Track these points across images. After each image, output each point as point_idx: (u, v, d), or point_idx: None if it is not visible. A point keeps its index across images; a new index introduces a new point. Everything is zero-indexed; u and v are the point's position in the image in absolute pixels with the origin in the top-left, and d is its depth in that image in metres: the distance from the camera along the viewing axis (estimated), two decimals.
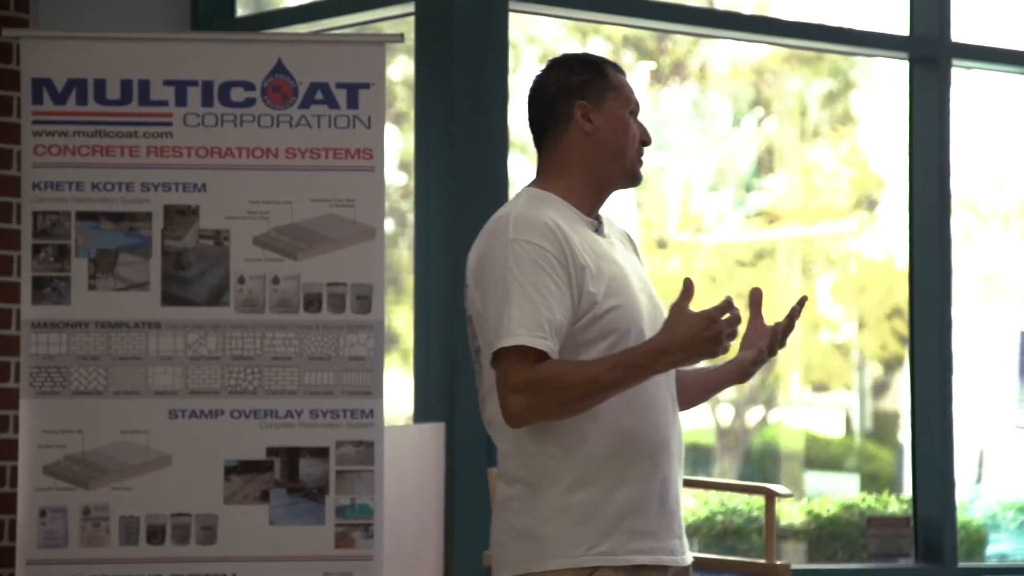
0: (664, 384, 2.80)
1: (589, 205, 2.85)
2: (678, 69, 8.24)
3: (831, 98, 8.40)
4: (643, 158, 2.88)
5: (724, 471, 8.10)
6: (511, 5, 5.35)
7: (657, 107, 8.47)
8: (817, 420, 8.35)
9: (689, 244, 8.31)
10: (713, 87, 8.38)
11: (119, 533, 4.60)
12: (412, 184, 5.84)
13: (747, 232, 8.30)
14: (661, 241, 8.26)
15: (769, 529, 4.60)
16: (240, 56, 4.76)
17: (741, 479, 7.82)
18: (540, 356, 2.67)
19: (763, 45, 7.00)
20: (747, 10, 7.50)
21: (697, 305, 2.69)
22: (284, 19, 5.82)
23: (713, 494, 6.76)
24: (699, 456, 8.31)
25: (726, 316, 2.65)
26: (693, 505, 6.79)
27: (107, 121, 4.69)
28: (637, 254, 2.97)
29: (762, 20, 6.61)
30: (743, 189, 8.47)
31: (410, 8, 5.38)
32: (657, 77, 8.29)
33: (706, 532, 6.67)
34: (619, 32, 7.93)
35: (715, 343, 2.64)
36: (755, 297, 2.86)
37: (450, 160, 5.20)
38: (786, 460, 8.12)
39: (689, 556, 2.87)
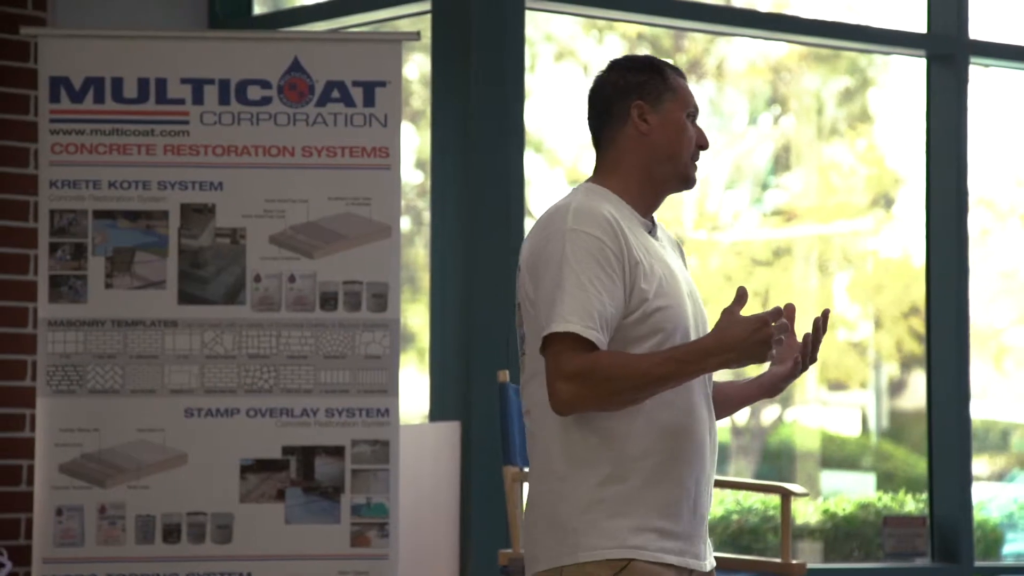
0: (701, 390, 2.83)
1: (644, 205, 2.87)
2: (695, 67, 8.23)
3: (848, 96, 8.39)
4: (698, 162, 2.89)
5: (740, 470, 8.09)
6: (527, 3, 5.35)
7: None
8: (833, 419, 8.34)
9: (706, 242, 8.30)
10: (730, 85, 8.37)
11: (135, 531, 4.60)
12: (428, 182, 5.84)
13: (764, 230, 8.29)
14: (678, 239, 8.24)
15: (785, 528, 4.60)
16: (257, 54, 4.76)
17: (757, 478, 7.81)
18: (590, 346, 2.68)
19: (780, 43, 6.99)
20: (764, 8, 7.49)
21: (721, 306, 2.70)
22: (301, 17, 5.83)
23: (729, 493, 6.75)
24: None
25: (778, 324, 2.67)
26: None
27: (124, 119, 4.69)
28: (684, 261, 3.00)
29: (779, 18, 6.60)
30: (760, 187, 8.46)
31: (427, 6, 5.37)
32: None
33: (722, 531, 6.66)
34: (635, 30, 7.92)
35: (764, 346, 2.66)
36: (788, 313, 2.83)
37: (466, 158, 5.20)
38: (802, 459, 8.10)
39: (712, 561, 2.89)
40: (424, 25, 5.41)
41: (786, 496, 4.60)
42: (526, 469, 4.53)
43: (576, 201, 2.78)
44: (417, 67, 6.75)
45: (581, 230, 2.73)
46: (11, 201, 5.31)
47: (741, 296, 2.71)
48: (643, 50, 8.26)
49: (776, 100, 8.36)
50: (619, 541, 2.73)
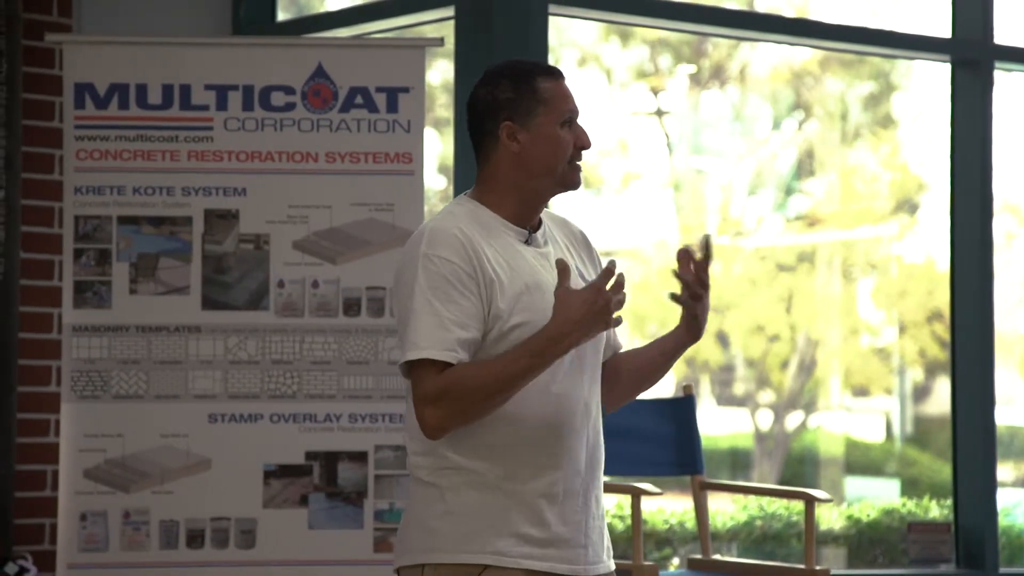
0: (574, 390, 2.80)
1: (519, 216, 2.84)
2: (717, 72, 8.22)
3: (872, 101, 8.37)
4: (580, 162, 2.85)
5: (763, 476, 8.07)
6: (551, 9, 5.34)
7: (696, 110, 8.45)
8: (857, 425, 8.31)
9: (729, 248, 8.29)
10: (753, 90, 8.36)
11: (159, 537, 4.61)
12: (451, 188, 5.85)
13: (787, 236, 8.27)
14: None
15: (809, 534, 4.58)
16: (280, 61, 4.77)
17: (780, 484, 7.80)
18: (448, 367, 2.70)
19: (803, 48, 6.97)
20: (787, 13, 7.48)
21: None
22: (324, 24, 5.84)
23: (752, 499, 6.73)
24: (738, 461, 8.28)
25: (611, 284, 2.67)
26: (732, 510, 6.77)
27: (148, 126, 4.71)
28: (591, 258, 2.96)
29: (802, 23, 6.59)
30: (783, 192, 8.44)
31: (450, 12, 5.38)
32: (696, 80, 8.27)
33: (745, 537, 6.65)
34: (658, 35, 7.91)
35: (605, 313, 2.66)
36: (610, 269, 2.74)
37: None
38: (826, 465, 8.08)
39: (608, 565, 2.86)
40: (447, 31, 5.41)
41: (810, 502, 4.59)
42: None
43: (432, 223, 2.79)
44: (440, 73, 6.76)
45: (433, 255, 2.74)
46: (36, 207, 5.32)
47: (563, 270, 2.69)
48: (666, 56, 8.26)
49: (799, 105, 8.34)
50: (477, 546, 2.75)
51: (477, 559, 2.75)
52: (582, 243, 2.96)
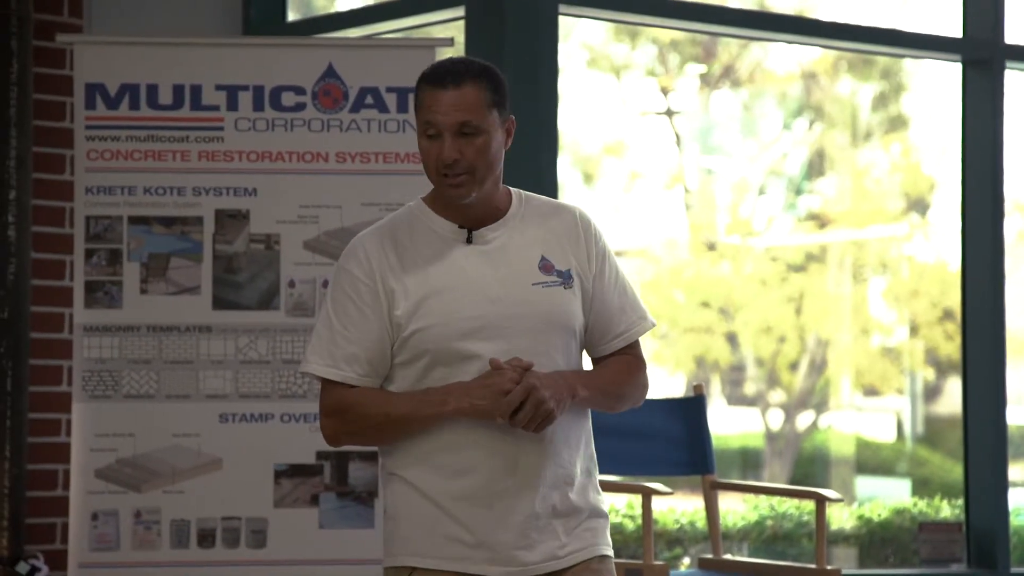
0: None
1: (453, 214, 2.83)
2: (728, 72, 8.21)
3: (882, 101, 8.36)
4: (451, 180, 2.76)
5: (774, 475, 8.07)
6: (561, 8, 5.34)
7: (707, 110, 8.45)
8: (868, 424, 8.31)
9: (739, 248, 8.29)
10: (763, 90, 8.35)
11: (170, 536, 4.62)
12: None
13: (797, 236, 8.27)
14: (711, 244, 8.24)
15: (819, 534, 4.58)
16: (291, 61, 4.77)
17: (791, 483, 7.79)
18: (344, 384, 2.78)
19: (813, 48, 6.96)
20: (797, 13, 7.47)
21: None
22: (334, 24, 5.84)
23: (763, 498, 6.73)
24: (748, 460, 8.28)
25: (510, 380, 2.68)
26: (742, 509, 6.77)
27: (159, 126, 4.71)
28: (585, 247, 2.88)
29: (812, 23, 6.58)
30: (793, 192, 8.44)
31: (460, 12, 5.38)
32: (706, 80, 8.27)
33: (756, 537, 6.65)
34: (668, 35, 7.91)
35: (496, 394, 2.68)
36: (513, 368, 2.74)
37: None
38: (836, 465, 8.08)
39: (550, 565, 2.81)
40: (457, 31, 5.41)
41: (821, 502, 4.58)
42: None
43: (363, 232, 2.85)
44: None
45: (343, 267, 2.81)
46: (47, 207, 5.33)
47: (496, 365, 2.70)
48: (674, 57, 8.26)
49: (809, 105, 8.34)
50: (407, 548, 2.80)
51: (405, 561, 2.80)
52: (569, 230, 2.88)
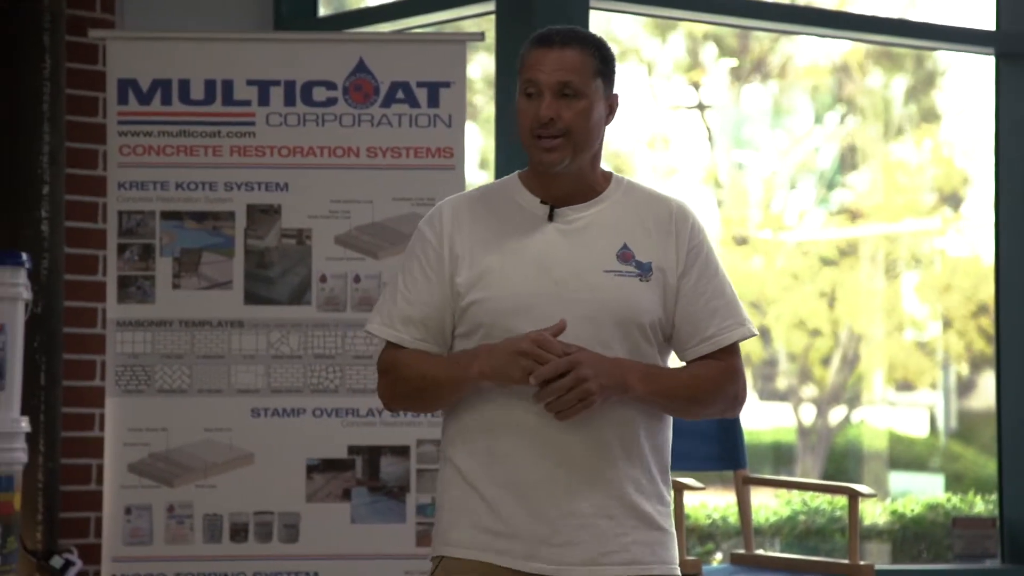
0: (542, 423, 2.65)
1: (541, 188, 2.73)
2: (759, 66, 8.19)
3: (914, 94, 8.32)
4: (543, 142, 2.66)
5: (806, 470, 8.04)
6: (592, 3, 5.34)
7: (738, 104, 8.43)
8: (901, 419, 8.28)
9: (770, 242, 8.26)
10: (794, 84, 8.32)
11: (203, 530, 4.63)
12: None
13: (830, 230, 8.24)
14: (742, 238, 8.22)
15: (852, 529, 4.56)
16: (322, 56, 4.77)
17: (824, 479, 7.77)
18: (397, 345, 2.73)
19: (845, 41, 6.93)
20: (829, 6, 7.44)
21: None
22: (365, 19, 5.84)
23: (795, 494, 6.71)
24: (781, 455, 8.26)
25: (547, 352, 2.57)
26: (775, 505, 6.75)
27: (191, 121, 4.72)
28: (676, 239, 2.73)
29: (844, 16, 6.56)
30: (825, 187, 8.41)
31: (491, 6, 5.38)
32: (738, 74, 8.25)
33: (788, 532, 6.63)
34: (700, 29, 7.89)
35: (515, 360, 2.58)
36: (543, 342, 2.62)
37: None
38: (869, 460, 8.05)
39: (582, 571, 2.66)
40: (488, 25, 5.41)
41: (853, 497, 4.57)
42: None
43: (450, 196, 2.82)
44: (481, 67, 6.76)
45: (420, 228, 2.77)
46: (81, 202, 5.35)
47: (557, 328, 2.60)
48: (707, 51, 8.24)
49: (841, 99, 8.31)
50: (441, 538, 2.74)
51: (438, 550, 2.73)
52: (663, 223, 2.73)
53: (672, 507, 2.76)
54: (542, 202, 2.71)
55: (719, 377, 2.73)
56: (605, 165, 2.81)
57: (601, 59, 2.69)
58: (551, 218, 2.70)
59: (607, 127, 2.73)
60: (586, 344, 2.61)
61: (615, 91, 2.72)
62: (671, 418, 2.76)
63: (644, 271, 2.69)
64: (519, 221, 2.70)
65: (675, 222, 2.73)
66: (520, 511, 2.65)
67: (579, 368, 2.57)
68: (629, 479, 2.67)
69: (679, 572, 2.74)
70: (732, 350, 2.75)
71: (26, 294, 4.64)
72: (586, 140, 2.67)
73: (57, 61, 5.13)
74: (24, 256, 4.67)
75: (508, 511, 2.66)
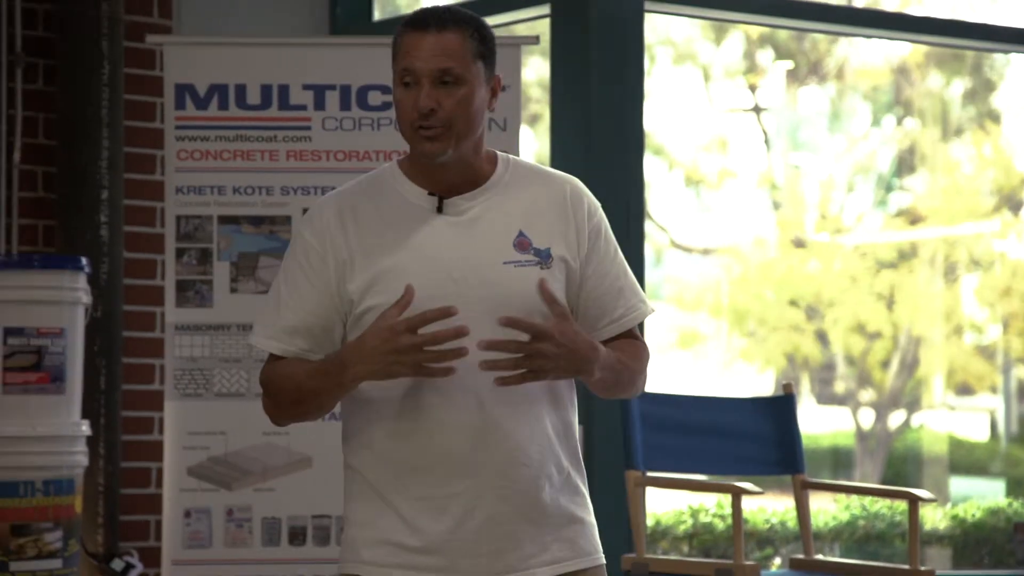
0: (461, 377, 2.44)
1: (426, 179, 2.54)
2: (816, 68, 8.15)
3: (973, 96, 8.26)
4: (427, 132, 2.48)
5: (865, 475, 7.99)
6: (647, 6, 5.32)
7: (794, 106, 8.39)
8: (961, 424, 8.21)
9: (828, 245, 8.22)
10: (851, 86, 8.27)
11: (261, 534, 4.64)
12: None
13: (887, 233, 8.19)
14: (799, 241, 8.18)
15: (913, 534, 4.52)
16: (377, 60, 4.77)
17: (883, 483, 7.72)
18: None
19: (903, 43, 6.89)
20: (886, 7, 7.40)
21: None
22: None
23: (855, 498, 6.67)
24: (840, 460, 8.22)
25: (423, 331, 2.38)
26: (833, 509, 6.71)
27: (248, 126, 4.73)
28: (575, 221, 2.58)
29: (902, 17, 6.52)
30: (883, 189, 8.36)
31: (545, 10, 5.37)
32: (794, 76, 8.21)
33: (847, 537, 6.59)
34: (756, 31, 7.86)
35: (401, 357, 2.38)
36: (437, 316, 2.41)
37: (585, 162, 5.19)
38: (929, 464, 7.99)
39: (541, 572, 2.53)
40: (543, 29, 5.40)
41: (914, 502, 4.53)
42: (649, 473, 4.51)
43: (329, 194, 2.60)
44: (535, 71, 6.75)
45: (298, 232, 2.56)
46: (139, 207, 5.38)
47: (405, 295, 2.41)
48: (764, 54, 8.21)
49: (899, 101, 8.26)
50: (354, 555, 2.55)
51: (351, 569, 2.55)
52: (559, 206, 2.58)
53: (587, 491, 2.61)
54: (430, 194, 2.53)
55: (643, 357, 2.62)
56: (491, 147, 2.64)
57: (480, 39, 2.51)
58: (440, 210, 2.53)
59: (490, 111, 2.57)
60: (484, 335, 2.43)
61: (496, 72, 2.56)
62: (574, 397, 2.61)
63: (544, 258, 2.53)
64: (407, 216, 2.52)
65: (570, 202, 2.59)
66: (435, 524, 2.50)
67: (548, 343, 2.42)
68: (544, 476, 2.53)
69: (603, 560, 2.62)
70: (639, 328, 2.66)
71: (86, 298, 4.67)
72: (469, 127, 2.50)
73: (115, 67, 5.17)
74: (84, 261, 4.71)
75: (422, 525, 2.50)
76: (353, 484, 2.58)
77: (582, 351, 2.46)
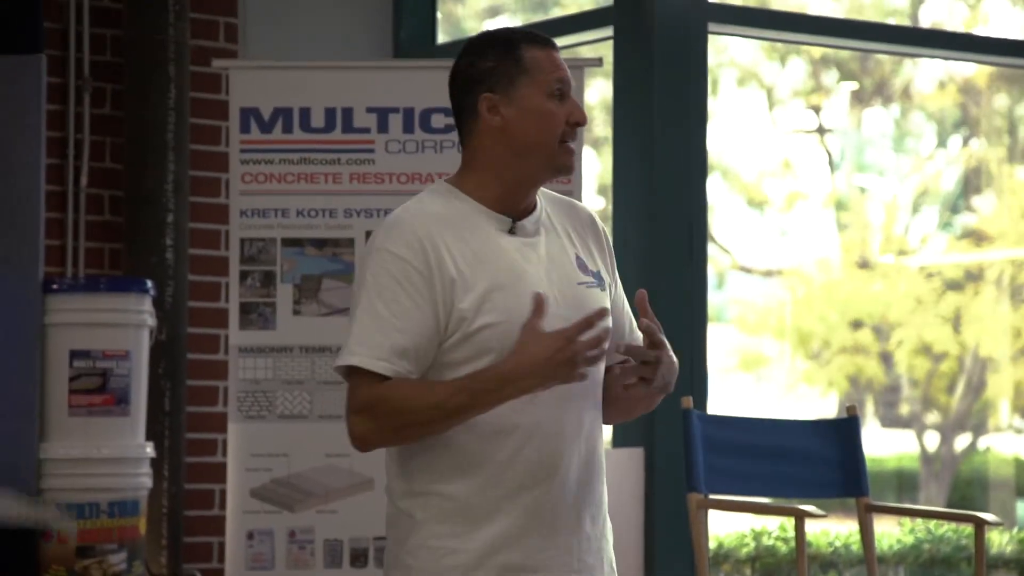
0: (562, 403, 2.49)
1: (502, 202, 2.54)
2: (880, 89, 8.11)
3: None
4: (573, 143, 2.53)
5: (930, 498, 7.93)
6: (710, 27, 5.31)
7: (859, 128, 8.35)
8: None
9: (893, 267, 8.17)
10: (916, 107, 8.23)
11: (323, 555, 4.66)
12: (610, 208, 5.84)
13: (953, 254, 8.13)
14: (864, 262, 8.14)
15: (979, 558, 4.48)
16: (440, 83, 4.75)
17: (948, 507, 7.65)
18: (383, 378, 2.44)
19: (968, 63, 6.85)
20: (951, 27, 7.36)
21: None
22: None
23: (919, 522, 6.61)
24: (904, 482, 8.15)
25: (587, 337, 2.39)
26: (898, 533, 6.66)
27: (311, 149, 4.76)
28: (599, 245, 2.65)
29: (967, 37, 6.48)
30: (948, 210, 8.30)
31: (608, 32, 5.38)
32: (859, 97, 8.17)
33: (912, 560, 6.53)
34: (820, 52, 7.83)
35: (569, 367, 2.39)
36: (595, 319, 2.43)
37: (649, 183, 5.18)
38: (995, 487, 7.91)
39: None
40: (606, 51, 5.41)
41: (980, 525, 4.49)
42: (712, 496, 4.49)
43: (396, 213, 2.54)
44: (599, 92, 6.76)
45: (386, 249, 2.48)
46: (204, 230, 5.42)
47: (538, 304, 2.41)
48: (828, 75, 8.17)
49: (965, 122, 8.20)
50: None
51: None
52: (589, 228, 2.64)
53: None
54: (503, 215, 2.54)
55: None
56: None
57: None
58: (512, 232, 2.54)
59: None
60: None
61: None
62: None
63: (599, 280, 2.60)
64: (488, 237, 2.52)
65: (593, 227, 2.65)
66: (541, 541, 2.49)
67: (667, 355, 2.53)
68: (604, 487, 2.60)
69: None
70: None
71: (151, 321, 4.71)
72: None
73: (181, 91, 5.21)
74: (149, 284, 4.75)
75: (530, 542, 2.48)
76: (443, 508, 2.51)
77: (676, 369, 2.55)
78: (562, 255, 2.56)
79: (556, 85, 2.51)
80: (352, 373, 2.47)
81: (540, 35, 2.56)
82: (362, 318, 2.46)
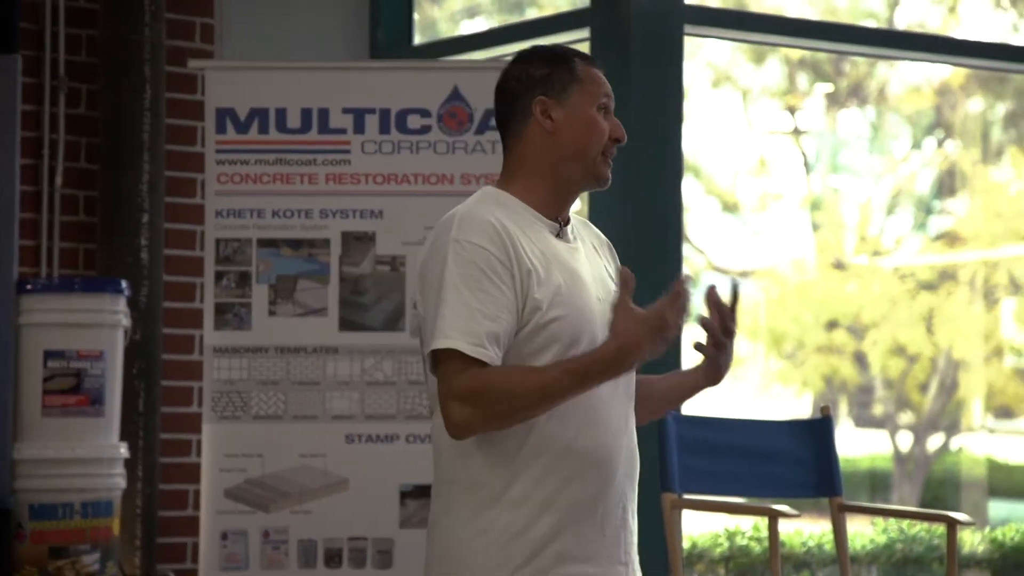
0: (612, 397, 2.61)
1: (550, 207, 2.66)
2: (856, 91, 8.14)
3: (1014, 119, 8.24)
4: (611, 158, 2.66)
5: (903, 498, 7.96)
6: (687, 29, 5.33)
7: (834, 129, 8.38)
8: (1000, 446, 8.17)
9: (867, 267, 8.20)
10: (891, 109, 8.26)
11: (297, 556, 4.66)
12: (586, 209, 5.86)
13: (927, 256, 8.17)
14: (838, 263, 8.17)
15: (951, 558, 4.51)
16: (417, 84, 4.81)
17: (921, 506, 7.68)
18: (479, 364, 2.50)
19: (943, 66, 6.87)
20: (927, 30, 7.39)
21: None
22: (460, 47, 5.88)
23: (892, 521, 6.64)
24: (877, 482, 8.18)
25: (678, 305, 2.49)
26: (871, 532, 6.69)
27: (287, 149, 4.77)
28: (615, 265, 2.79)
29: (942, 40, 6.51)
30: (923, 212, 8.34)
31: (585, 34, 5.39)
32: (834, 99, 8.20)
33: (885, 560, 6.56)
34: (796, 54, 7.86)
35: (667, 341, 2.48)
36: (709, 296, 2.61)
37: (623, 185, 5.20)
38: (968, 487, 7.95)
39: None
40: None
41: (952, 525, 4.51)
42: (685, 496, 4.51)
43: (463, 209, 2.60)
44: None
45: (465, 240, 2.55)
46: (179, 230, 5.42)
47: (627, 280, 2.52)
48: (803, 76, 8.20)
49: (939, 124, 8.24)
50: (509, 570, 2.55)
51: None
52: (606, 247, 2.80)
53: None
54: (552, 220, 2.66)
55: None
56: None
57: None
58: (558, 236, 2.66)
59: None
60: None
61: None
62: None
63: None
64: (543, 238, 2.63)
65: (610, 248, 2.81)
66: (596, 532, 2.58)
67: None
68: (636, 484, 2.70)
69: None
70: None
71: (125, 321, 4.71)
72: None
73: (157, 91, 5.21)
74: (124, 284, 4.74)
75: (586, 532, 2.57)
76: (501, 496, 2.57)
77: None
78: (596, 265, 2.70)
79: (604, 99, 2.65)
80: (447, 359, 2.51)
81: (582, 53, 2.69)
82: (452, 306, 2.52)
